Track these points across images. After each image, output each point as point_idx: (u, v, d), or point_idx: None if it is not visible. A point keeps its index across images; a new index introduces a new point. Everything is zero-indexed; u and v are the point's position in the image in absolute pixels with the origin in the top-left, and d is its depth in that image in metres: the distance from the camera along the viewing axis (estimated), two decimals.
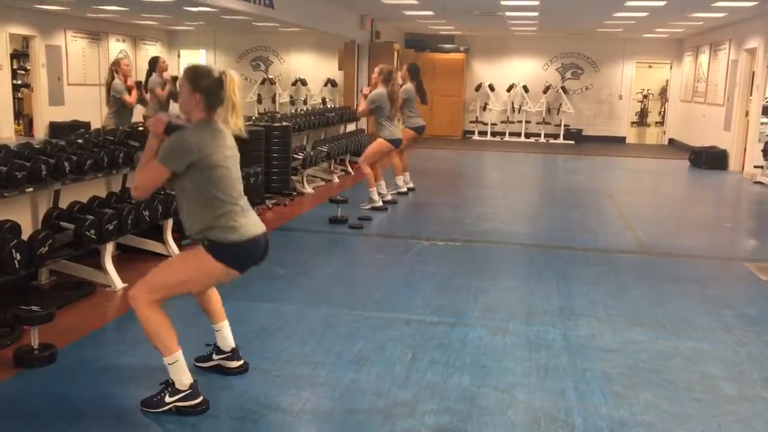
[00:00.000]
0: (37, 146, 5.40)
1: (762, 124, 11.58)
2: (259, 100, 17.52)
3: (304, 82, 17.68)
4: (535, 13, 12.41)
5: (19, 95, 14.40)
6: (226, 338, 3.49)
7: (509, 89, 17.44)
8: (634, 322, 4.46)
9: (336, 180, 9.94)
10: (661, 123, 19.56)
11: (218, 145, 3.04)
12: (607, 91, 17.66)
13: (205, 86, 3.04)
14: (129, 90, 7.81)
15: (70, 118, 13.84)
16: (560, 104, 17.27)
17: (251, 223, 3.13)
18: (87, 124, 12.86)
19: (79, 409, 3.16)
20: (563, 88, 17.39)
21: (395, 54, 14.56)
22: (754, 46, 11.83)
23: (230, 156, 3.11)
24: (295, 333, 4.11)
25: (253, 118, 9.84)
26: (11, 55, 13.80)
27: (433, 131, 16.77)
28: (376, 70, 7.87)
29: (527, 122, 17.54)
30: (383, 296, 4.90)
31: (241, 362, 3.52)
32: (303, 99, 17.58)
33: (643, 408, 3.28)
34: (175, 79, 9.52)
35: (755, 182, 10.98)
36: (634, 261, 6.15)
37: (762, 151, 10.97)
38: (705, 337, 4.25)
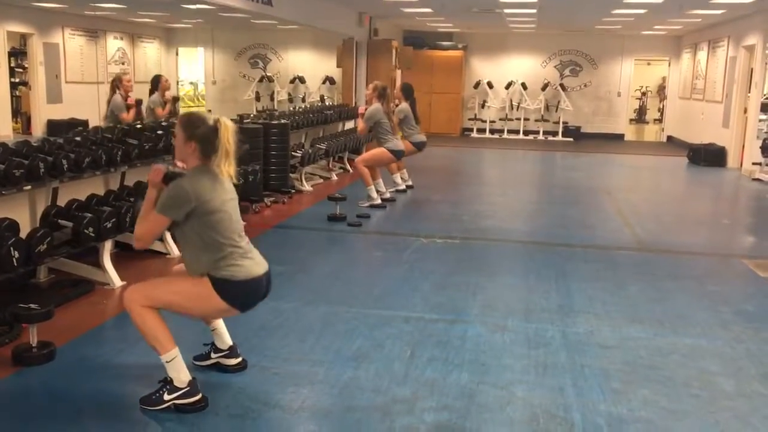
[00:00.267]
0: (35, 144, 5.40)
1: (760, 121, 11.57)
2: (258, 98, 17.51)
3: (302, 80, 17.67)
4: (534, 11, 12.40)
5: (17, 93, 14.38)
6: (223, 336, 3.49)
7: (508, 86, 17.43)
8: (633, 319, 4.47)
9: (334, 178, 9.94)
10: (660, 120, 19.59)
11: (216, 190, 3.07)
12: (606, 88, 17.66)
13: (200, 135, 3.06)
14: (128, 108, 7.83)
15: (68, 115, 13.82)
16: (559, 101, 17.26)
17: (254, 264, 3.15)
18: (85, 122, 12.84)
19: (78, 407, 3.16)
20: (562, 85, 17.39)
21: (393, 51, 14.55)
22: (752, 43, 11.83)
23: (229, 200, 3.13)
24: (293, 330, 4.11)
25: (252, 115, 9.83)
26: (9, 52, 13.77)
27: (432, 129, 16.78)
28: (370, 86, 7.91)
29: (526, 119, 17.54)
30: (382, 294, 4.90)
31: (240, 360, 3.52)
32: (301, 96, 17.56)
33: (641, 404, 3.29)
34: (176, 99, 9.54)
35: (753, 179, 10.99)
36: (633, 258, 6.16)
37: (760, 148, 10.97)
38: (703, 334, 4.25)
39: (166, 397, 3.08)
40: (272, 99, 17.60)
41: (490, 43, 17.70)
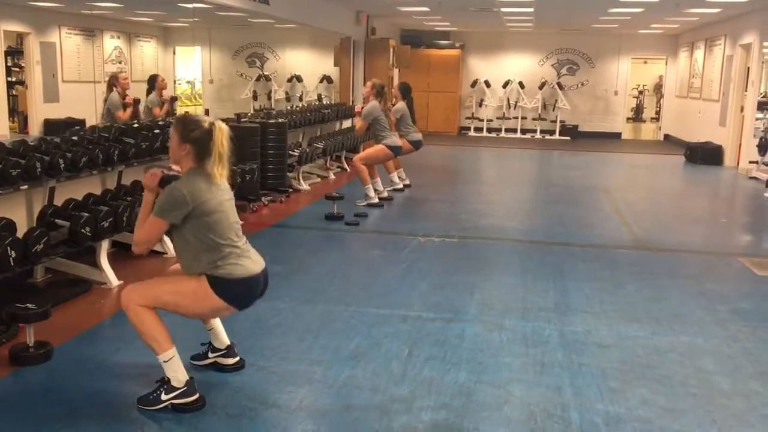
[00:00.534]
0: (32, 143, 5.39)
1: (757, 119, 11.59)
2: (255, 97, 17.48)
3: (299, 79, 17.65)
4: (531, 9, 12.40)
5: (14, 92, 14.34)
6: (220, 336, 3.49)
7: (505, 85, 17.43)
8: (630, 318, 4.47)
9: (332, 177, 9.93)
10: (657, 119, 19.60)
11: (212, 191, 3.07)
12: (603, 87, 17.67)
13: (195, 138, 3.07)
14: (125, 106, 7.80)
15: (65, 115, 13.77)
16: (556, 100, 17.27)
17: (252, 262, 3.16)
18: (82, 122, 12.79)
19: (75, 406, 3.16)
20: (559, 84, 17.39)
21: (391, 50, 14.54)
22: (749, 42, 11.85)
23: (225, 200, 3.14)
24: (291, 330, 4.11)
25: (249, 114, 9.82)
26: (5, 52, 13.73)
27: (429, 127, 16.79)
28: (368, 84, 7.91)
29: (523, 118, 17.55)
30: (380, 293, 4.90)
31: (237, 359, 3.52)
32: (299, 95, 17.53)
33: (638, 403, 3.29)
34: (174, 99, 9.51)
35: (750, 178, 11.00)
36: (630, 256, 6.16)
37: (757, 146, 10.99)
38: (700, 333, 4.26)
39: (164, 396, 3.08)
40: (269, 98, 17.58)
41: (487, 42, 17.70)
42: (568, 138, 17.00)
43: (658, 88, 20.09)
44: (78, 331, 4.01)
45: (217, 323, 3.48)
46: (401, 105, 8.49)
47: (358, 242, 6.62)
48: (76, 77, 14.87)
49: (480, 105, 17.65)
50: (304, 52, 17.76)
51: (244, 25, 16.15)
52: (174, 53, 18.58)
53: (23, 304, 3.62)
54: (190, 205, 3.00)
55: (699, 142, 13.34)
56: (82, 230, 4.52)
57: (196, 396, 3.12)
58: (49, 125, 13.39)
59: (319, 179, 9.68)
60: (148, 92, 8.57)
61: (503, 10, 12.60)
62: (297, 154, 8.72)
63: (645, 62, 19.27)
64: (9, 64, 14.19)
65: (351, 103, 13.21)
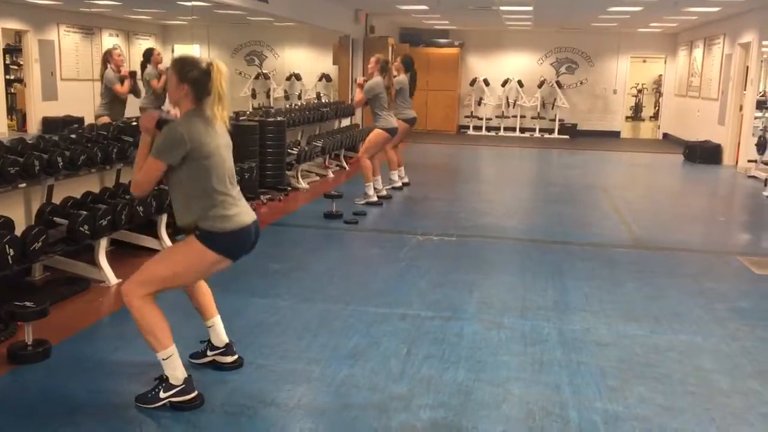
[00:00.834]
0: (30, 141, 5.38)
1: (756, 118, 11.59)
2: (254, 95, 17.47)
3: (298, 77, 17.63)
4: (530, 8, 12.39)
5: (12, 90, 14.32)
6: (219, 334, 3.48)
7: (504, 84, 17.43)
8: (629, 317, 4.47)
9: (331, 175, 9.93)
10: (656, 117, 19.60)
11: (210, 134, 3.04)
12: (602, 85, 17.67)
13: (193, 77, 3.03)
14: (122, 80, 7.76)
15: (63, 113, 13.76)
16: (555, 99, 17.27)
17: (243, 213, 3.13)
18: (80, 120, 12.78)
19: (73, 405, 3.15)
20: (558, 82, 17.39)
21: (390, 49, 14.54)
22: (748, 41, 11.85)
23: (223, 144, 3.11)
24: (290, 328, 4.11)
25: (248, 112, 9.81)
26: (4, 49, 13.71)
27: (428, 126, 16.80)
28: (373, 59, 7.84)
29: (522, 117, 17.55)
30: (378, 291, 4.90)
31: (236, 357, 3.52)
32: (297, 94, 17.53)
33: (637, 401, 3.29)
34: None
35: (749, 176, 11.01)
36: (629, 255, 6.16)
37: (756, 145, 10.99)
38: (699, 331, 4.26)
39: (162, 394, 3.07)
40: (268, 96, 17.57)
41: (487, 41, 17.69)
42: (567, 137, 17.00)
43: (657, 87, 20.08)
44: (76, 330, 4.00)
45: (217, 321, 3.47)
46: (403, 78, 8.46)
47: (357, 241, 6.62)
48: (75, 75, 14.85)
49: (479, 104, 17.64)
50: (303, 50, 17.75)
51: (242, 23, 16.14)
52: (173, 51, 18.55)
53: (21, 303, 3.62)
54: (188, 144, 2.96)
55: (698, 140, 13.35)
56: (81, 228, 4.51)
57: (195, 394, 3.11)
58: (48, 123, 13.37)
59: (317, 178, 9.67)
60: (144, 66, 8.48)
61: (502, 8, 12.59)
62: (296, 152, 8.71)
63: (644, 61, 19.26)
64: (7, 62, 14.16)
65: (350, 99, 13.20)
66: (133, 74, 8.00)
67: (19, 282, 4.66)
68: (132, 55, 16.65)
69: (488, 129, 17.61)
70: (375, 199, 7.88)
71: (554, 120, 17.31)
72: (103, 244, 4.85)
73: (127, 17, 16.08)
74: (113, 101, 7.80)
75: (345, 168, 10.58)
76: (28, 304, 3.61)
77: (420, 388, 3.36)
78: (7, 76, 13.99)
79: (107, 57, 7.88)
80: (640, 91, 21.31)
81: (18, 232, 4.23)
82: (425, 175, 10.42)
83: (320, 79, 17.36)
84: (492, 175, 12.09)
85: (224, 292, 3.48)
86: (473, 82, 17.57)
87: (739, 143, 12.09)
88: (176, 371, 3.08)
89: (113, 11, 14.89)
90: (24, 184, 4.66)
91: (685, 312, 4.59)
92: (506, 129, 17.57)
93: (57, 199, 5.01)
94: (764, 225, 8.23)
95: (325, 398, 3.28)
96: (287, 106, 13.66)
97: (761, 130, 11.02)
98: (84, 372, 3.47)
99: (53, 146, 5.22)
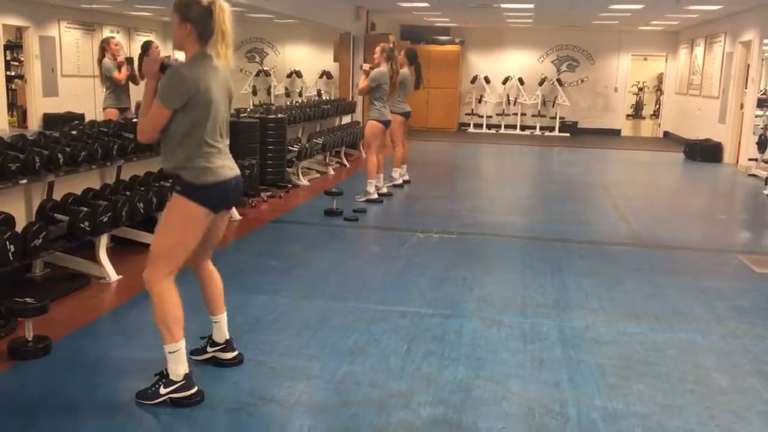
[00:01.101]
0: (31, 138, 5.38)
1: (757, 116, 11.59)
2: (254, 92, 17.48)
3: (299, 74, 17.64)
4: (531, 5, 12.39)
5: (13, 87, 14.32)
6: (222, 330, 3.49)
7: (505, 82, 17.42)
8: (628, 314, 4.48)
9: (331, 172, 9.93)
10: (656, 116, 19.59)
11: (212, 81, 3.04)
12: (603, 83, 17.66)
13: (195, 16, 3.03)
14: (119, 67, 7.81)
15: (64, 109, 13.78)
16: (556, 97, 17.27)
17: (226, 166, 3.12)
18: (81, 116, 12.80)
19: (73, 401, 3.16)
20: (559, 80, 17.39)
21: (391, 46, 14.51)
22: (749, 39, 11.84)
23: (223, 93, 3.11)
24: (289, 325, 4.11)
25: (249, 109, 9.81)
26: (4, 46, 13.71)
27: (429, 123, 16.80)
28: (378, 48, 7.83)
29: (523, 115, 17.54)
30: (378, 288, 4.90)
31: (236, 354, 3.52)
32: (298, 91, 17.53)
33: (636, 399, 3.30)
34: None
35: (749, 175, 11.01)
36: (629, 253, 6.16)
37: (756, 143, 10.99)
38: (698, 329, 4.26)
39: (162, 390, 3.08)
40: (269, 93, 17.58)
41: (487, 38, 17.68)
42: (568, 134, 17.00)
43: (658, 85, 20.07)
44: (77, 326, 4.00)
45: (223, 318, 3.46)
46: (405, 70, 8.45)
47: (357, 238, 6.62)
48: (75, 71, 14.86)
49: (479, 101, 17.64)
50: (304, 47, 17.74)
51: (243, 20, 16.12)
52: (173, 48, 18.54)
53: (22, 299, 3.62)
54: (192, 89, 2.95)
55: (698, 139, 13.35)
56: (81, 225, 4.52)
57: (195, 390, 3.11)
58: (48, 119, 13.39)
59: (318, 175, 9.68)
60: (141, 58, 8.51)
61: (503, 6, 12.58)
62: (296, 149, 8.71)
63: (645, 59, 19.25)
64: (8, 58, 14.16)
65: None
66: (129, 60, 8.04)
67: (19, 278, 4.66)
68: (133, 51, 16.64)
69: (489, 127, 17.61)
70: (375, 196, 7.88)
71: (555, 118, 17.31)
72: (104, 240, 4.85)
73: (128, 13, 16.07)
74: (116, 90, 7.85)
75: (345, 165, 10.58)
76: (28, 300, 3.61)
77: (420, 386, 3.36)
78: (8, 73, 13.99)
79: (104, 46, 7.92)
80: (640, 89, 21.29)
81: (18, 228, 4.23)
82: (426, 173, 10.42)
83: (321, 77, 17.36)
84: (492, 172, 12.09)
85: (224, 288, 3.48)
86: (474, 79, 17.57)
87: (739, 141, 12.09)
88: (178, 367, 3.08)
89: (114, 7, 14.89)
90: (24, 181, 4.66)
91: (684, 310, 4.59)
92: (507, 127, 17.57)
93: (57, 196, 5.01)
94: (764, 223, 8.23)
95: (325, 395, 3.28)
96: (288, 103, 13.68)
97: (762, 128, 11.02)
98: (84, 368, 3.48)
99: (54, 142, 5.22)
